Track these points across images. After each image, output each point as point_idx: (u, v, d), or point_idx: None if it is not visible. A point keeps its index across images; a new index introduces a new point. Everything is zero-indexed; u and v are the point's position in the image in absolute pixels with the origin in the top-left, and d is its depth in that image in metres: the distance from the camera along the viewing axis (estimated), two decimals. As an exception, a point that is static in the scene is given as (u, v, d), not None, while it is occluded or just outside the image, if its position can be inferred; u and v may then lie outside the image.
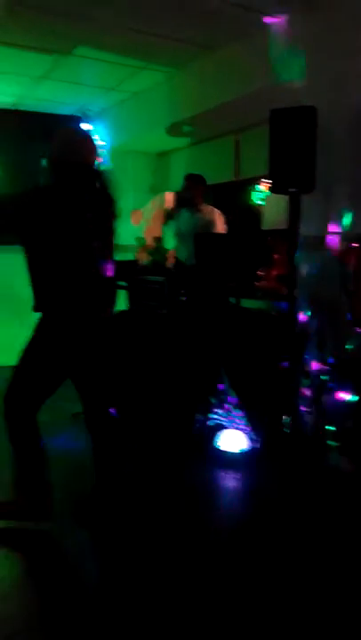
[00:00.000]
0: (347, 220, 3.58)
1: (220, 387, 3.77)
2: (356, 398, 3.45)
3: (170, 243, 5.26)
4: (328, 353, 3.75)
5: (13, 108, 6.30)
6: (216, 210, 4.96)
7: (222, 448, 3.58)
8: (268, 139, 3.56)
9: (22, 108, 6.33)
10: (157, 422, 4.02)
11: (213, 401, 3.78)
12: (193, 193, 4.92)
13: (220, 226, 4.92)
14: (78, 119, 6.71)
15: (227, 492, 3.25)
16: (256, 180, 5.78)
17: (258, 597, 2.20)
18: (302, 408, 3.80)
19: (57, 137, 2.78)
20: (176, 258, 4.88)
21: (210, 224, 4.88)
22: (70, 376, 2.70)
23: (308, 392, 3.76)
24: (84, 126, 6.69)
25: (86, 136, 2.89)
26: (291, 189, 3.60)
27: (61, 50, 4.63)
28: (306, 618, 2.09)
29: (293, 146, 3.47)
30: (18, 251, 2.84)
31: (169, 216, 5.08)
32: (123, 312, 4.58)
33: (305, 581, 2.31)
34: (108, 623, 2.08)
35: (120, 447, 2.87)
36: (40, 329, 2.62)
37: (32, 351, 2.63)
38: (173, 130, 5.63)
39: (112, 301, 2.81)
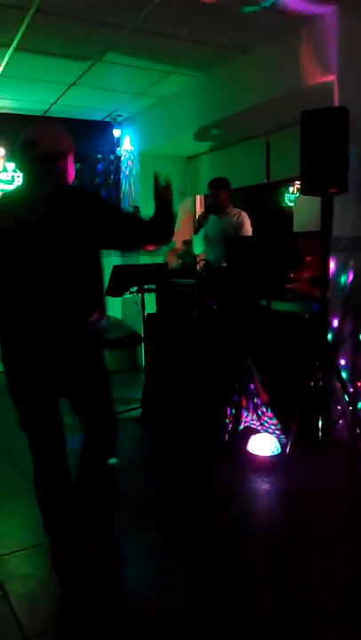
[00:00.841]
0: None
1: (252, 389, 3.75)
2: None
3: (198, 248, 5.25)
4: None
5: (45, 114, 6.40)
6: (243, 212, 4.94)
7: (254, 452, 3.55)
8: (300, 140, 3.54)
9: (53, 115, 6.42)
10: (189, 425, 4.01)
11: (245, 404, 3.75)
12: (218, 199, 4.90)
13: (248, 227, 4.90)
14: (108, 124, 6.79)
15: (258, 495, 3.22)
16: (287, 182, 5.75)
17: (291, 598, 2.18)
18: (336, 413, 3.75)
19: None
20: (206, 261, 4.87)
21: (238, 226, 4.86)
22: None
23: (341, 396, 3.71)
24: (115, 132, 6.78)
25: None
26: (323, 191, 3.57)
27: (92, 56, 4.67)
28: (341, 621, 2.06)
29: (325, 147, 3.43)
30: None
31: (199, 225, 5.08)
32: (152, 315, 4.60)
33: (337, 586, 2.27)
34: (134, 623, 2.08)
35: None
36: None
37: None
38: (201, 134, 5.62)
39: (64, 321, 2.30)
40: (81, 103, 6.00)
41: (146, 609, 2.17)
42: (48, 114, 6.37)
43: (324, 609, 2.14)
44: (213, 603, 2.19)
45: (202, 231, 5.08)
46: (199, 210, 6.93)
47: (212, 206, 4.98)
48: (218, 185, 4.91)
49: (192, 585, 2.32)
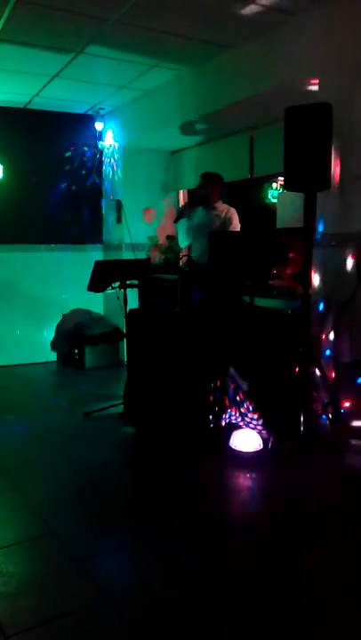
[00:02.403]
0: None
1: (234, 385, 3.76)
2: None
3: (182, 241, 5.22)
4: (344, 352, 3.71)
5: (26, 107, 6.31)
6: (232, 208, 4.93)
7: (237, 448, 3.56)
8: (284, 136, 3.54)
9: (35, 107, 6.34)
10: (171, 421, 4.00)
11: (227, 400, 3.76)
12: (209, 192, 4.88)
13: (236, 224, 4.88)
14: (91, 118, 6.73)
15: (241, 491, 3.23)
16: (271, 178, 5.75)
17: (271, 595, 2.19)
18: (318, 407, 3.78)
19: None
20: (189, 256, 4.85)
21: (226, 222, 4.85)
22: None
23: (323, 391, 3.73)
24: (98, 125, 6.72)
25: None
26: (306, 187, 3.57)
27: (74, 48, 4.62)
28: (316, 617, 2.07)
29: (309, 143, 3.44)
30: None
31: (180, 214, 5.05)
32: (134, 310, 4.57)
33: (318, 580, 2.29)
34: (113, 618, 2.07)
35: None
36: None
37: None
38: (184, 128, 5.60)
39: None
40: (63, 96, 5.93)
41: (125, 604, 2.16)
42: (29, 106, 6.29)
43: (306, 602, 2.15)
44: (194, 598, 2.19)
45: (183, 222, 5.04)
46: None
47: (201, 198, 4.94)
48: (212, 179, 4.89)
49: (172, 580, 2.31)
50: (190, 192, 6.44)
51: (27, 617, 2.11)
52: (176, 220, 5.11)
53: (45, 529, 2.74)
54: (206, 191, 4.89)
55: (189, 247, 5.31)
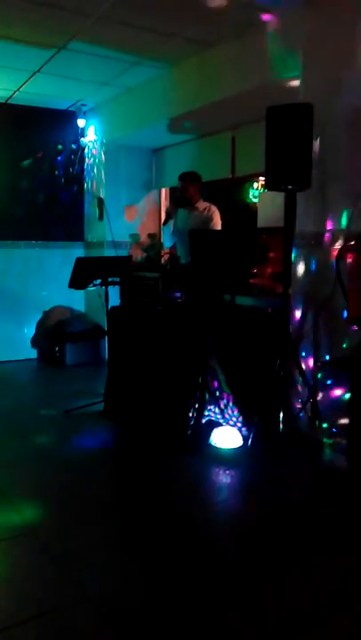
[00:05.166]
0: (343, 217, 3.58)
1: (215, 383, 3.78)
2: (350, 396, 3.46)
3: (168, 242, 5.22)
4: (323, 351, 3.76)
5: (7, 102, 6.25)
6: (213, 206, 4.94)
7: (217, 445, 3.58)
8: (265, 136, 3.56)
9: (15, 102, 6.28)
10: (152, 419, 4.01)
11: (207, 398, 3.78)
12: (189, 193, 4.88)
13: (218, 222, 4.90)
14: (73, 114, 6.68)
15: (221, 488, 3.25)
16: (252, 178, 5.78)
17: (253, 592, 2.21)
18: (297, 405, 3.82)
19: None
20: (170, 254, 4.85)
21: (207, 220, 4.86)
22: None
23: (302, 389, 3.77)
24: (80, 122, 6.68)
25: None
26: (286, 187, 3.60)
27: (56, 44, 4.59)
28: (299, 612, 2.10)
29: (290, 143, 3.47)
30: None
31: (168, 216, 5.05)
32: (116, 308, 4.57)
33: (299, 577, 2.32)
34: (91, 616, 2.08)
35: None
36: None
37: None
38: (168, 125, 5.60)
39: None
40: (45, 91, 5.89)
41: (104, 602, 2.16)
42: (11, 101, 6.23)
43: (288, 603, 2.18)
44: (173, 596, 2.20)
45: (170, 224, 5.05)
46: (164, 203, 6.90)
47: (180, 199, 4.95)
48: (187, 178, 4.90)
49: (152, 577, 2.32)
50: (173, 190, 6.44)
51: (7, 615, 2.10)
52: (164, 223, 5.12)
53: (25, 527, 2.73)
54: (184, 194, 4.88)
55: (174, 246, 5.30)
